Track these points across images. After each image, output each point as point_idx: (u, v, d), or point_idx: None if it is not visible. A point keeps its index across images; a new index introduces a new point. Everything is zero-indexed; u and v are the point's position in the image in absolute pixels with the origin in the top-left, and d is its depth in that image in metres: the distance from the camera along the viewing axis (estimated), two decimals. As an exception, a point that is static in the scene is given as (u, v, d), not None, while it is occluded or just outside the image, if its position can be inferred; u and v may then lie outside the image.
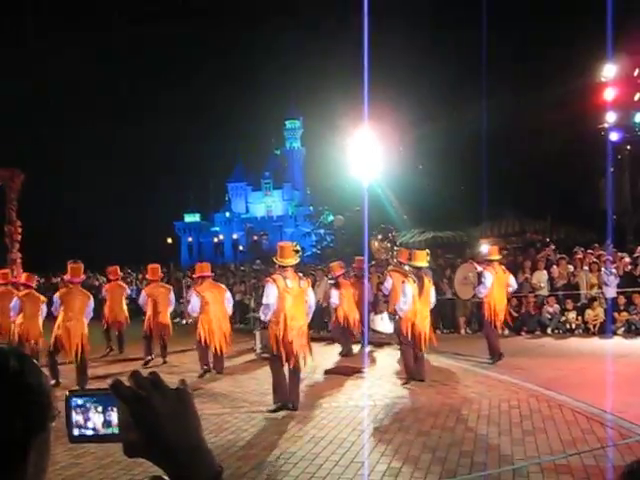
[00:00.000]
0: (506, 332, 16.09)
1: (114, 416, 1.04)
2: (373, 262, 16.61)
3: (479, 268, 13.22)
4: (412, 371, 10.38)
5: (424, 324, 10.51)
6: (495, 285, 12.28)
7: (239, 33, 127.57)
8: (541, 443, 6.73)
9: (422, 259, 10.93)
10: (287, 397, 8.69)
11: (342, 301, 13.93)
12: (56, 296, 11.53)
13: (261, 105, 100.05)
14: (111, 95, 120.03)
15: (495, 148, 32.01)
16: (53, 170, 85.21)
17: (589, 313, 15.69)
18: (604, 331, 14.94)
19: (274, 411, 8.58)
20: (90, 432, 1.05)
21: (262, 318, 9.48)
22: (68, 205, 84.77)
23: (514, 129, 34.08)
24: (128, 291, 15.22)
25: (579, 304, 16.15)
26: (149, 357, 13.54)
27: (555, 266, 17.10)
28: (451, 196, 33.81)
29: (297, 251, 9.07)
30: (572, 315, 15.87)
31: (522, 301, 16.50)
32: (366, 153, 18.99)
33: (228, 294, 12.64)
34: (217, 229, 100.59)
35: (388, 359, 12.79)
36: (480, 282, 12.70)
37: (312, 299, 9.41)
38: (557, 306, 16.04)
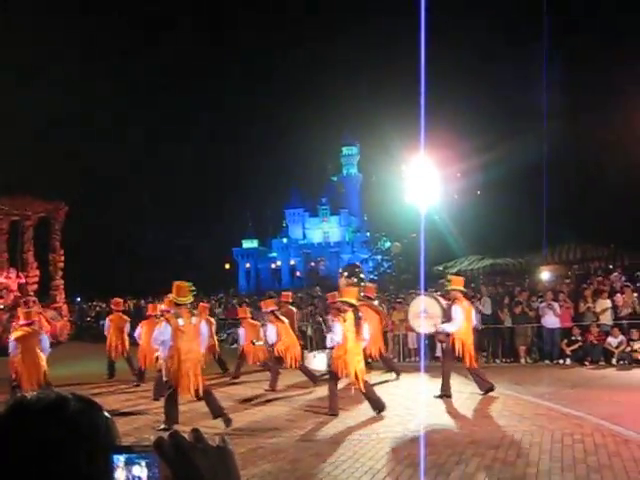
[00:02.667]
0: (568, 362, 15.73)
1: (156, 473, 1.03)
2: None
3: (443, 301, 12.62)
4: (335, 407, 10.36)
5: (355, 361, 10.31)
6: (464, 320, 11.93)
7: (298, 59, 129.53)
8: (607, 481, 6.50)
9: (353, 295, 10.86)
10: (176, 421, 9.52)
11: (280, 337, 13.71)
12: (12, 338, 12.17)
13: (317, 132, 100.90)
14: (173, 124, 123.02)
15: (557, 173, 31.52)
16: (118, 202, 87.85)
17: (656, 343, 15.15)
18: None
19: (162, 430, 9.28)
20: None
21: (159, 354, 10.63)
22: (132, 234, 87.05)
23: (577, 154, 33.58)
24: (127, 325, 16.04)
25: (645, 334, 15.61)
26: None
27: (619, 294, 16.60)
28: (510, 222, 33.39)
29: (192, 290, 10.05)
30: (638, 345, 15.34)
31: (585, 330, 16.06)
32: (423, 180, 18.89)
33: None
34: (275, 255, 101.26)
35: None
36: (449, 317, 12.08)
37: (205, 333, 10.31)
38: (622, 336, 15.53)
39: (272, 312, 14.02)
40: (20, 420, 1.06)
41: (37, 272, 23.07)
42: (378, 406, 10.23)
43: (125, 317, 16.32)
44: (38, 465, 1.01)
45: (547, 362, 16.22)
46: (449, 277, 13.46)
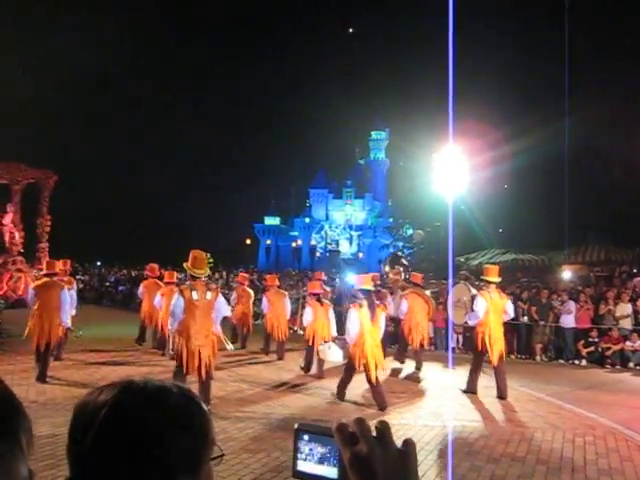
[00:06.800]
0: (583, 363, 15.63)
1: (336, 459, 1.03)
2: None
3: (473, 291, 12.02)
4: (342, 394, 10.20)
5: (374, 351, 9.83)
6: (490, 312, 11.13)
7: (330, 42, 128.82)
8: (617, 485, 6.47)
9: (367, 282, 10.29)
10: None
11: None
12: (31, 288, 12.08)
13: (347, 114, 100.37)
14: (205, 95, 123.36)
15: (583, 173, 31.12)
16: (149, 173, 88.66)
17: (675, 351, 14.98)
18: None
19: None
20: (311, 470, 1.06)
21: (169, 327, 10.19)
22: (155, 200, 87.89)
23: (603, 150, 33.12)
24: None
25: (666, 341, 15.42)
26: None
27: (641, 299, 16.41)
28: (534, 218, 33.11)
29: (209, 262, 9.60)
30: (656, 352, 15.20)
31: (603, 333, 15.92)
32: (451, 169, 18.73)
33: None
34: (296, 234, 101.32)
35: (459, 379, 12.57)
36: (472, 308, 11.53)
37: (222, 308, 9.72)
38: (641, 341, 15.38)
39: (316, 295, 13.29)
40: (126, 405, 1.08)
41: (22, 234, 24.73)
42: (382, 405, 9.77)
43: (160, 284, 15.54)
44: (136, 449, 1.04)
45: (562, 362, 16.14)
46: (485, 266, 13.02)
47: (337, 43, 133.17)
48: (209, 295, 9.36)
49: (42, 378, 11.09)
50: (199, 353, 9.03)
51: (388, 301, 15.40)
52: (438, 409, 9.86)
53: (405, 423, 8.86)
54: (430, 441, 7.88)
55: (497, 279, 11.62)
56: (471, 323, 11.63)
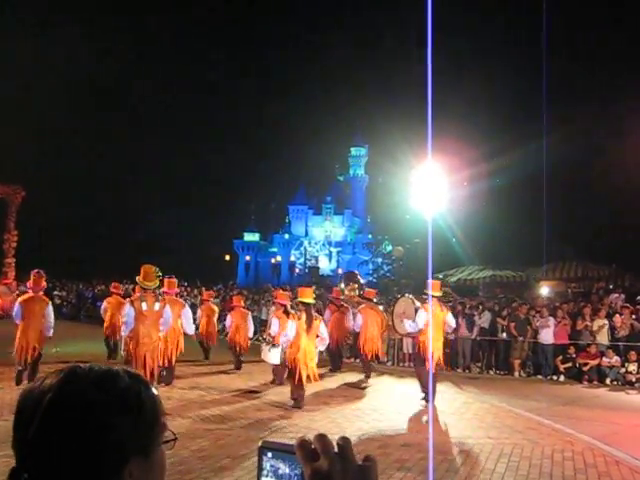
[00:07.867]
0: (561, 379, 15.72)
1: (299, 477, 1.02)
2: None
3: (417, 304, 12.51)
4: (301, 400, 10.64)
5: (307, 360, 10.61)
6: (432, 324, 11.49)
7: (312, 60, 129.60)
8: (596, 500, 6.49)
9: (308, 295, 11.04)
10: None
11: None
12: (17, 303, 12.21)
13: (327, 131, 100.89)
14: (189, 110, 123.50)
15: (561, 190, 31.44)
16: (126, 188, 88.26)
17: (651, 367, 15.10)
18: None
19: None
20: None
21: (122, 333, 11.20)
22: (134, 215, 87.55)
23: (581, 168, 33.50)
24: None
25: (642, 356, 15.55)
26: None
27: (618, 315, 16.56)
28: (513, 234, 33.37)
29: (159, 276, 10.74)
30: (633, 367, 15.32)
31: (581, 350, 16.03)
32: (430, 186, 18.87)
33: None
34: (275, 250, 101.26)
35: (437, 396, 12.59)
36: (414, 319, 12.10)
37: (167, 319, 10.78)
38: (617, 357, 15.50)
39: (284, 306, 13.31)
40: (71, 390, 1.07)
41: None
42: (298, 404, 10.56)
43: (122, 300, 16.04)
44: (83, 434, 1.04)
45: (540, 377, 16.23)
46: (428, 281, 13.49)
47: (319, 60, 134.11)
48: (157, 306, 10.54)
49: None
50: (144, 358, 10.18)
51: (349, 316, 16.28)
52: (417, 425, 9.86)
53: (384, 440, 8.84)
54: (410, 458, 7.86)
55: (438, 293, 12.37)
56: (412, 332, 12.25)
